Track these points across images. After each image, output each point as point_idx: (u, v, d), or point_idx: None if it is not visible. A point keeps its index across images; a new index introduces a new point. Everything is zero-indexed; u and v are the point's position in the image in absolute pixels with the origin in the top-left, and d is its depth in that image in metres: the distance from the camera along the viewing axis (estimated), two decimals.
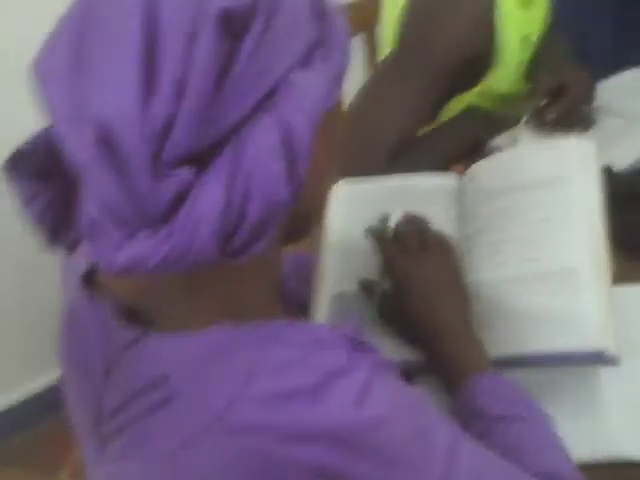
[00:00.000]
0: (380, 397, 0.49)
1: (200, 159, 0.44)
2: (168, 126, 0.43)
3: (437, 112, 1.27)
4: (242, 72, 0.44)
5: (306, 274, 0.89)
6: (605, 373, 0.76)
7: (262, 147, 0.44)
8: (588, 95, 1.19)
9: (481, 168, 0.89)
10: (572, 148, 0.83)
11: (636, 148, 1.09)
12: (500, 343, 0.75)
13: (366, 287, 0.83)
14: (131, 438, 0.52)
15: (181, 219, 0.43)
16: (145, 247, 0.44)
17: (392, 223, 0.83)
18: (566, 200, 0.79)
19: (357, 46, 1.57)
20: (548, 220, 0.79)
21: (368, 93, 1.18)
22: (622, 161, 1.04)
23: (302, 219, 0.56)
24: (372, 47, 1.55)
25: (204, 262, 0.45)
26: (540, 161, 0.84)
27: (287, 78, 0.46)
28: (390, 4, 1.24)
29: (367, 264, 0.84)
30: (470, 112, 1.25)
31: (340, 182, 0.96)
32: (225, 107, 0.44)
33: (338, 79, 0.51)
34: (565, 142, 0.84)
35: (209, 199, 0.43)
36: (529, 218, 0.80)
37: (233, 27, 0.43)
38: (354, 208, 0.93)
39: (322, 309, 0.85)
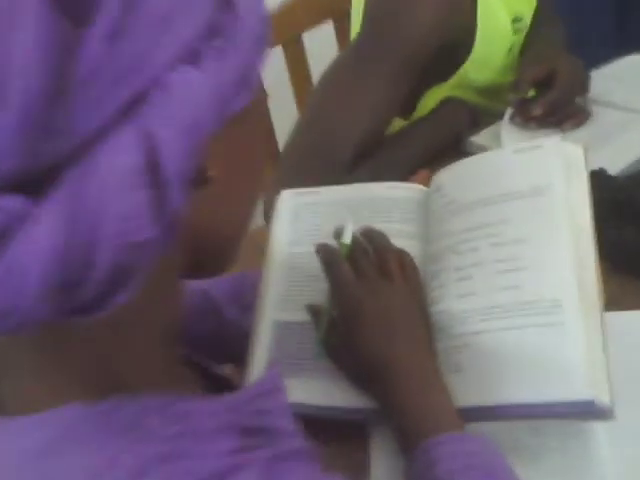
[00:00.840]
0: None
1: (35, 185, 0.31)
2: None
3: (411, 107, 1.13)
4: (94, 70, 0.31)
5: (252, 297, 0.76)
6: (601, 427, 0.63)
7: (118, 170, 0.31)
8: (581, 85, 1.05)
9: (449, 176, 0.76)
10: (556, 151, 0.69)
11: (635, 145, 0.95)
12: (469, 390, 0.62)
13: (312, 314, 0.71)
14: None
15: (0, 265, 0.31)
16: None
17: (347, 239, 0.70)
18: (548, 215, 0.65)
19: (330, 35, 1.45)
20: (527, 239, 0.65)
21: (330, 83, 1.03)
22: (619, 162, 0.91)
23: (212, 252, 0.44)
24: (344, 36, 1.42)
25: (43, 321, 0.32)
26: (518, 168, 0.70)
27: (161, 78, 0.33)
28: None
29: (315, 287, 0.72)
30: (450, 104, 1.12)
31: (285, 192, 0.83)
32: (70, 116, 0.31)
33: (242, 81, 0.38)
34: (548, 144, 0.70)
35: (39, 239, 0.31)
36: (504, 237, 0.66)
37: (73, 7, 0.30)
38: (301, 222, 0.80)
39: (263, 339, 0.72)
